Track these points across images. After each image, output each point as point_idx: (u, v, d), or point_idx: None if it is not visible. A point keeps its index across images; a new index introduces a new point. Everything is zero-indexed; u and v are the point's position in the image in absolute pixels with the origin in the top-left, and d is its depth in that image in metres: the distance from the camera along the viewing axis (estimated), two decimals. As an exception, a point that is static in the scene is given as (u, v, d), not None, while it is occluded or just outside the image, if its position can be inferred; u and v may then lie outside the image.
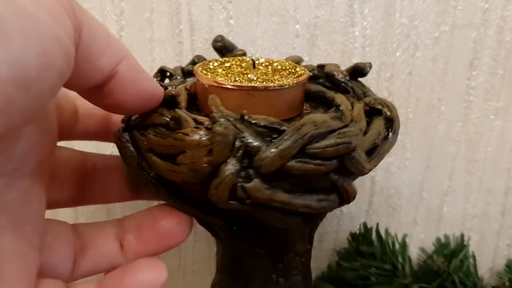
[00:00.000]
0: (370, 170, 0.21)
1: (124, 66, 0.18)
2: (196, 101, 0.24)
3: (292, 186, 0.20)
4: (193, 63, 0.29)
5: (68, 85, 0.18)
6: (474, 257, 0.31)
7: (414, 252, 0.40)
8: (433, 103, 0.36)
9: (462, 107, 0.37)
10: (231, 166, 0.19)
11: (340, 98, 0.24)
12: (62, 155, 0.24)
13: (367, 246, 0.32)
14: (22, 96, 0.14)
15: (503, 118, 0.37)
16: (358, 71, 0.26)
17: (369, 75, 0.26)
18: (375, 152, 0.22)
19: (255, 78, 0.23)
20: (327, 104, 0.25)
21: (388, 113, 0.23)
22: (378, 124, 0.22)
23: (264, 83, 0.22)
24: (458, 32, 0.35)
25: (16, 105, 0.14)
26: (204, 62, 0.25)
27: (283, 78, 0.24)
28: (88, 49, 0.17)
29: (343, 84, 0.26)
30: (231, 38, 0.36)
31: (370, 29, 0.35)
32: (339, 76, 0.26)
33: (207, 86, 0.22)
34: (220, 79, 0.23)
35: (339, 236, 0.40)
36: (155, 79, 0.26)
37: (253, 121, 0.20)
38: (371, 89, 0.26)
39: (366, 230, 0.34)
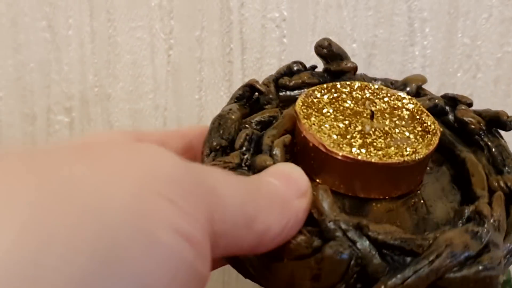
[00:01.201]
0: None
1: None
2: (294, 147, 0.20)
3: None
4: (289, 72, 0.24)
5: None
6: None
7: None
8: (495, 126, 0.35)
9: (524, 130, 0.35)
10: None
11: (474, 170, 0.19)
12: None
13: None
14: None
15: None
16: (497, 123, 0.21)
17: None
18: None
19: (371, 132, 0.19)
20: (454, 162, 0.21)
21: None
22: None
23: (381, 144, 0.18)
24: (522, 52, 0.33)
25: None
26: (308, 91, 0.21)
27: (405, 132, 0.19)
28: (221, 251, 0.15)
29: (476, 137, 0.21)
30: (283, 57, 0.35)
31: (430, 48, 0.33)
32: (473, 127, 0.21)
33: (311, 145, 0.18)
34: (327, 141, 0.18)
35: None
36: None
37: (374, 236, 0.16)
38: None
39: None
